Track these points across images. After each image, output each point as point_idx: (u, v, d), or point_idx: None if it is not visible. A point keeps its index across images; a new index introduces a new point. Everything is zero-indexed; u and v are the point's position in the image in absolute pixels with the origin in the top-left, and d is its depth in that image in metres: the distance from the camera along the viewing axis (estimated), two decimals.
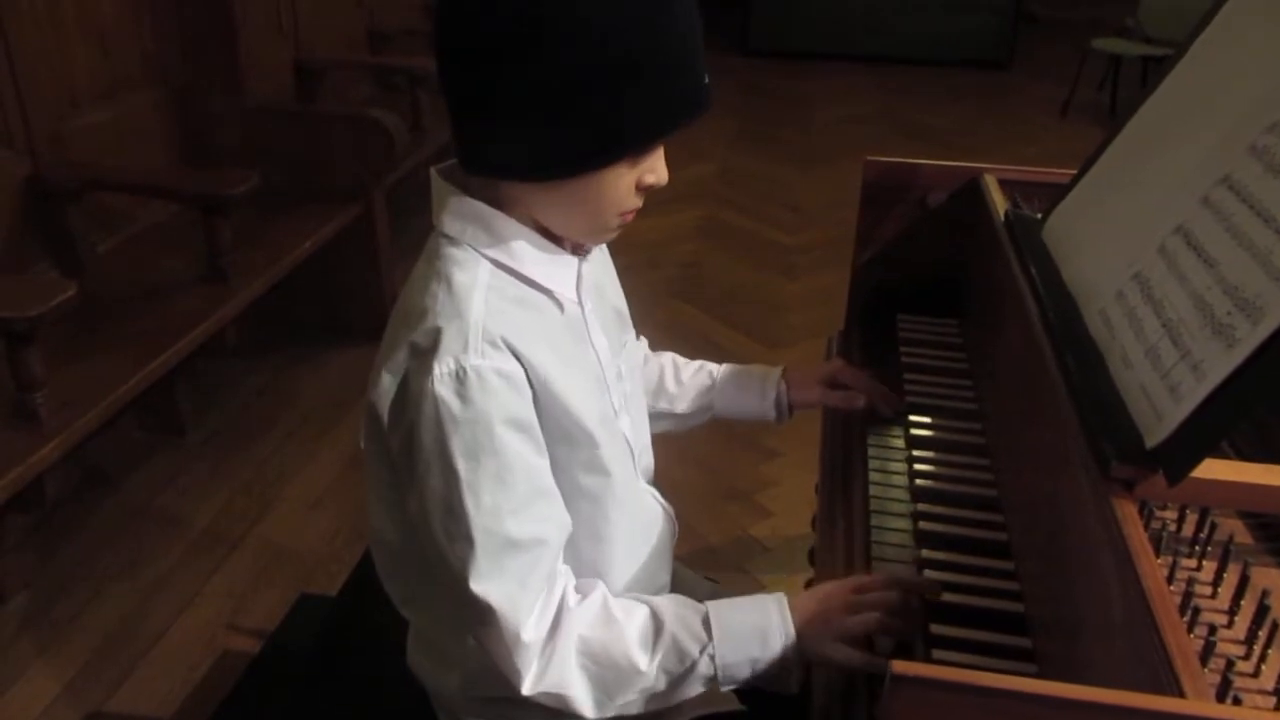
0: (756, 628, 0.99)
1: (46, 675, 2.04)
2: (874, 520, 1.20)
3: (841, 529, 1.26)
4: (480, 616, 0.94)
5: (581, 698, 0.96)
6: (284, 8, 3.30)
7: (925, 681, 0.71)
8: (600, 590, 1.01)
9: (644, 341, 1.35)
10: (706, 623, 0.99)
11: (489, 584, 0.92)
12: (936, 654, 0.99)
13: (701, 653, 0.97)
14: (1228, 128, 1.03)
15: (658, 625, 0.99)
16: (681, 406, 1.35)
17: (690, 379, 1.36)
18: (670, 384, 1.35)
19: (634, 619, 0.99)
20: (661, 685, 0.98)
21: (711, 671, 0.98)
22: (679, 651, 0.97)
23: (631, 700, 0.98)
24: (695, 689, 0.99)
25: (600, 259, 1.15)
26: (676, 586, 1.24)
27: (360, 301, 3.28)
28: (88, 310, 2.36)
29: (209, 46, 3.00)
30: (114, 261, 2.66)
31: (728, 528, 2.47)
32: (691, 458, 2.68)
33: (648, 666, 0.96)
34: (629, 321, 1.21)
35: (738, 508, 2.57)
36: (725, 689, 1.00)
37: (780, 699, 1.04)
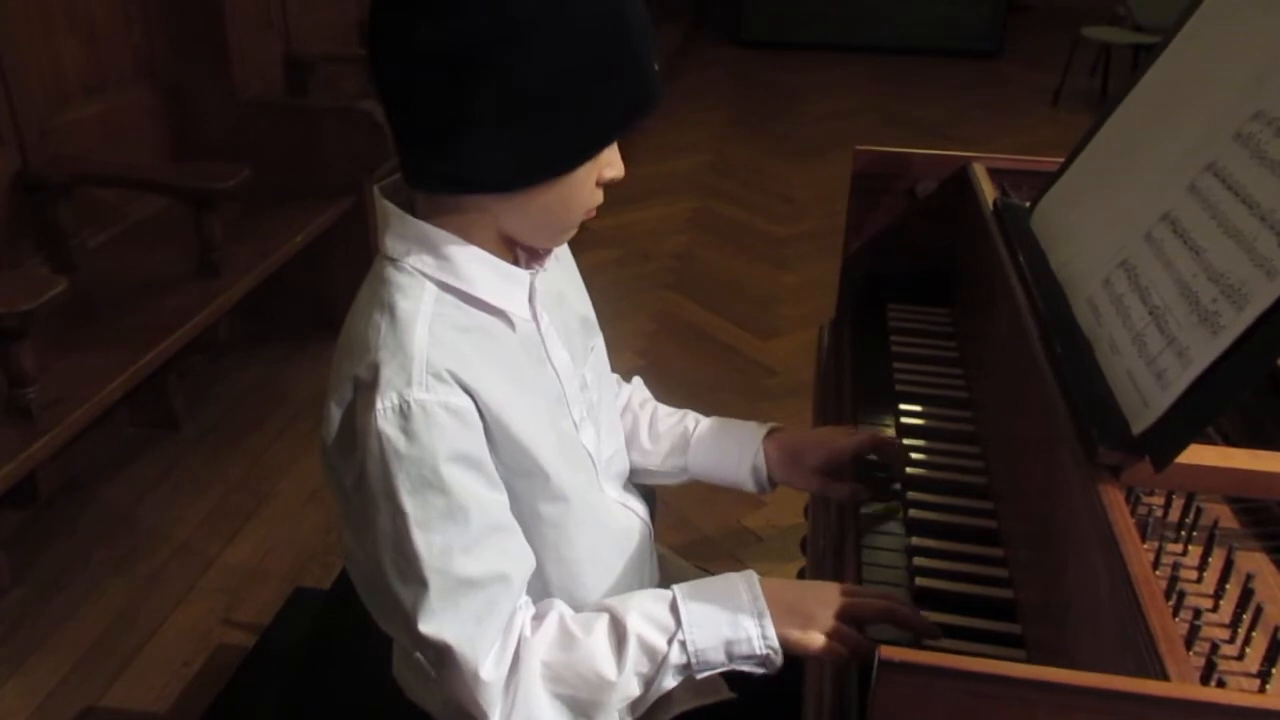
0: (726, 608, 0.96)
1: (41, 670, 2.04)
2: (865, 508, 1.21)
3: (833, 518, 1.27)
4: (437, 657, 0.91)
5: None
6: (273, 1, 3.29)
7: (913, 666, 0.71)
8: (556, 611, 0.97)
9: (627, 388, 1.30)
10: (674, 608, 0.96)
11: (443, 623, 0.89)
12: (926, 640, 1.00)
13: (671, 642, 0.95)
14: (1213, 115, 1.04)
15: (620, 631, 0.95)
16: (653, 463, 1.26)
17: (666, 431, 1.27)
18: (644, 438, 1.26)
19: (595, 632, 0.95)
20: (637, 689, 0.95)
21: (684, 659, 0.95)
22: (648, 650, 0.95)
23: (612, 711, 0.96)
24: (670, 681, 0.96)
25: (561, 265, 1.12)
26: (666, 576, 1.24)
27: (353, 295, 3.24)
28: (79, 306, 2.36)
29: (199, 40, 2.99)
30: (105, 257, 2.66)
31: (721, 517, 2.47)
32: None
33: (618, 676, 0.93)
34: (595, 326, 1.17)
35: (731, 497, 2.56)
36: (701, 676, 0.97)
37: (773, 687, 1.03)
